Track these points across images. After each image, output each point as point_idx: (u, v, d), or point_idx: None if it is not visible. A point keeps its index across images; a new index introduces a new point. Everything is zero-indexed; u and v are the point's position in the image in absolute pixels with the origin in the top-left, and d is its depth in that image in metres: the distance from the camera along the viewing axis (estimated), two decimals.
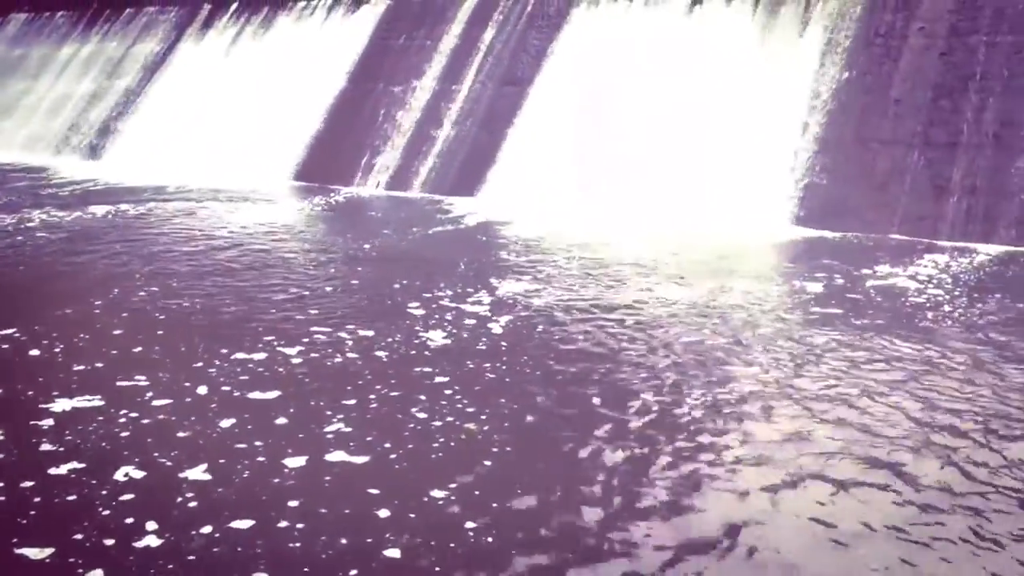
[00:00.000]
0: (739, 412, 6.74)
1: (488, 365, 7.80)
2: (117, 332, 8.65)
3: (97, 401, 6.81)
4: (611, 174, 17.41)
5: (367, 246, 13.44)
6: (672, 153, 16.99)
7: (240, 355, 7.88)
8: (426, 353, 8.05)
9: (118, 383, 7.19)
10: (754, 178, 16.13)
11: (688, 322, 9.17)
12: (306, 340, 8.32)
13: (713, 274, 11.55)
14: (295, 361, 7.78)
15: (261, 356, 7.87)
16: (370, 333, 8.55)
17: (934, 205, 14.89)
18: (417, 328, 8.79)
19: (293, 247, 13.52)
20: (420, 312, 9.38)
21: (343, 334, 8.54)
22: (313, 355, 7.92)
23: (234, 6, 25.95)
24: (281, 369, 7.57)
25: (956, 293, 10.56)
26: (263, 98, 22.97)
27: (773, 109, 16.74)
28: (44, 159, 25.43)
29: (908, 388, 7.22)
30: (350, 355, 7.97)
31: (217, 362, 7.72)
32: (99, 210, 16.75)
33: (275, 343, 8.22)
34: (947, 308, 9.85)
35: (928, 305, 9.97)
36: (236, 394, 6.98)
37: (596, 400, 7.02)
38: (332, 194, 19.34)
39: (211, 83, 24.46)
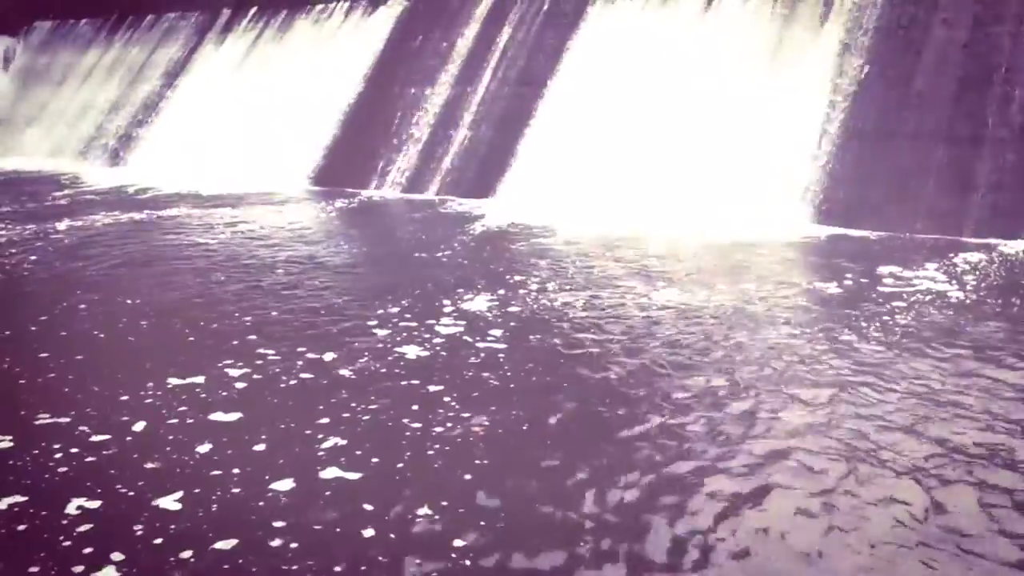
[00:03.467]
0: (753, 427, 6.56)
1: (487, 374, 7.68)
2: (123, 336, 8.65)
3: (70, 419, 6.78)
4: (628, 174, 17.19)
5: (378, 250, 13.42)
6: (690, 152, 16.75)
7: (259, 358, 7.83)
8: (428, 359, 7.96)
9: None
10: (774, 175, 15.84)
11: (700, 329, 8.98)
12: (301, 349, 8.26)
13: (730, 277, 11.33)
14: (285, 370, 7.72)
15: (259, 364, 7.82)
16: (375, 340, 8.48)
17: (959, 201, 14.53)
18: (423, 334, 8.70)
19: (305, 252, 13.49)
20: (426, 317, 9.28)
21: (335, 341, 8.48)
22: (310, 364, 7.86)
23: (253, 10, 26.04)
24: (284, 377, 7.52)
25: (983, 294, 10.26)
26: (281, 102, 23.02)
27: (792, 105, 16.44)
28: (68, 166, 25.68)
29: (940, 403, 6.97)
30: (338, 367, 7.89)
31: (232, 360, 7.67)
32: (103, 219, 16.72)
33: (291, 349, 8.18)
34: (976, 311, 9.57)
35: (955, 307, 9.69)
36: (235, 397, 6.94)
37: (599, 409, 6.89)
38: (349, 198, 19.32)
39: (230, 88, 24.56)
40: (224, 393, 7.16)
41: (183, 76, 26.10)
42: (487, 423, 6.85)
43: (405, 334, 8.61)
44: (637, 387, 7.39)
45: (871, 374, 7.48)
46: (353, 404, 7.02)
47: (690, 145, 16.82)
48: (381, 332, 8.67)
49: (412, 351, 8.14)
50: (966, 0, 16.09)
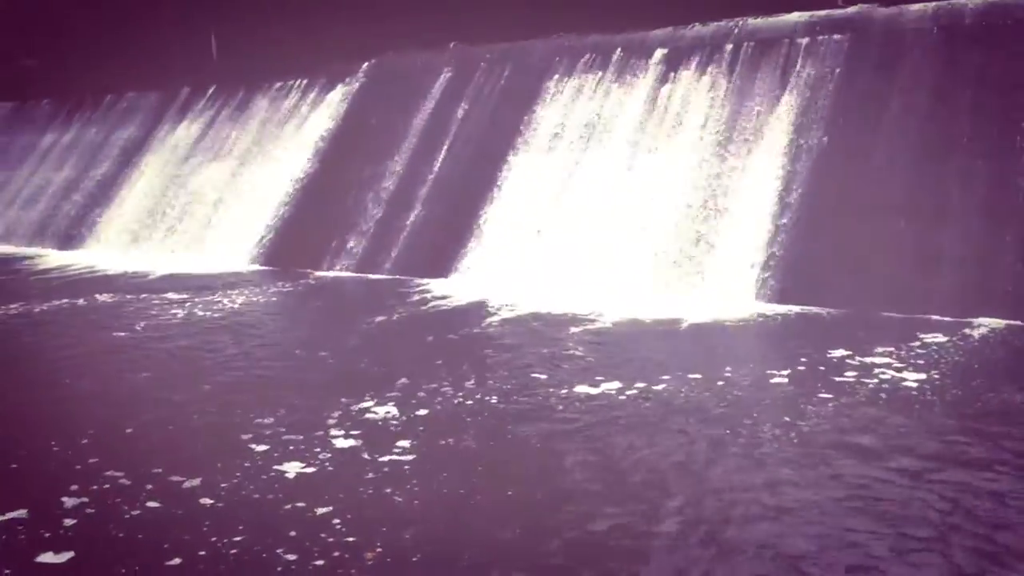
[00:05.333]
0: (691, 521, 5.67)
1: (388, 489, 6.80)
2: None
3: None
4: (583, 253, 16.53)
5: (316, 335, 12.55)
6: (646, 227, 16.13)
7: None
8: (315, 476, 7.06)
9: None
10: (730, 252, 15.18)
11: (631, 422, 8.14)
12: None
13: (672, 365, 10.50)
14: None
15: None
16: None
17: (923, 278, 13.82)
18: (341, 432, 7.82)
19: (241, 338, 12.62)
20: (324, 422, 8.41)
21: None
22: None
23: (212, 89, 25.67)
24: (127, 507, 6.60)
25: (946, 378, 9.45)
26: (233, 181, 22.46)
27: (750, 178, 15.88)
28: (20, 249, 24.95)
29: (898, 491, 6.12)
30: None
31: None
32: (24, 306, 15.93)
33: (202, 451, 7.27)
34: (936, 396, 8.75)
35: (914, 393, 8.87)
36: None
37: (512, 533, 6.00)
38: (298, 279, 18.56)
39: (185, 168, 24.03)
40: (47, 534, 6.19)
41: (140, 156, 25.58)
42: (380, 549, 5.97)
43: (292, 447, 7.71)
44: (554, 506, 6.51)
45: (797, 479, 6.63)
46: (214, 539, 6.10)
47: (646, 221, 16.21)
48: (259, 447, 7.76)
49: (293, 468, 7.24)
50: (925, 70, 15.68)
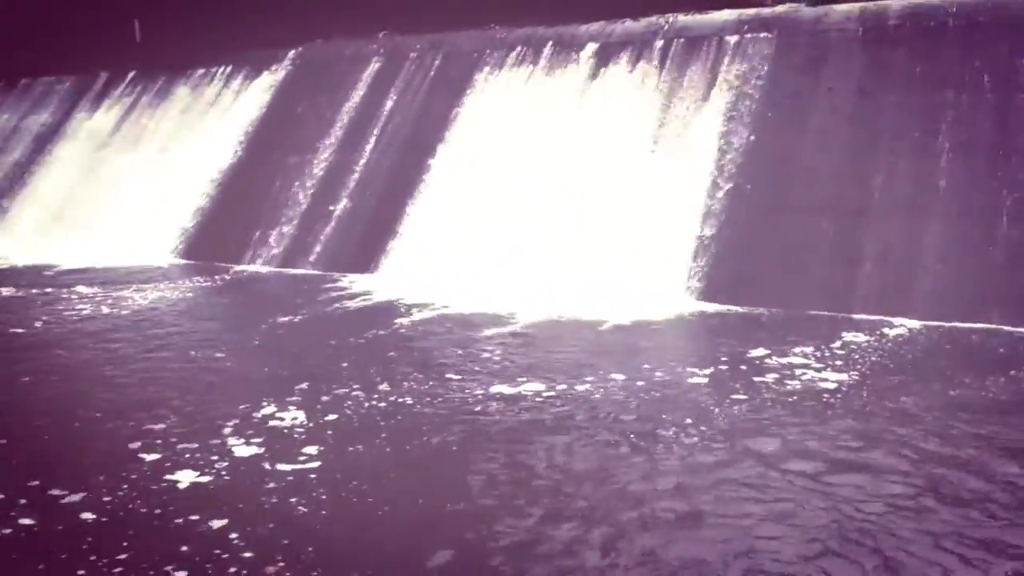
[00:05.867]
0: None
1: (294, 499, 6.44)
2: None
3: None
4: (511, 247, 16.28)
5: (223, 334, 12.03)
6: (573, 225, 15.96)
7: None
8: (211, 487, 6.66)
9: None
10: (659, 250, 15.08)
11: (550, 426, 7.90)
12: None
13: (594, 364, 10.32)
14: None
15: None
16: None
17: (847, 276, 13.90)
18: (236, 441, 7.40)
19: (143, 337, 12.03)
20: (221, 429, 7.99)
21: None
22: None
23: (131, 75, 24.69)
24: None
25: (862, 379, 9.43)
26: (153, 171, 21.63)
27: (678, 177, 15.81)
28: None
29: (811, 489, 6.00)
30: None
31: None
32: None
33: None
34: (850, 398, 8.71)
35: (826, 397, 8.82)
36: None
37: (429, 550, 5.71)
38: (219, 273, 17.92)
39: (102, 155, 23.07)
40: None
41: (54, 143, 24.49)
42: (282, 563, 5.62)
43: (186, 455, 7.28)
44: (468, 515, 6.24)
45: (713, 478, 6.48)
46: (95, 557, 5.68)
47: (574, 218, 16.03)
48: (149, 456, 7.31)
49: (187, 478, 6.82)
50: (851, 69, 15.78)
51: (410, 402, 8.72)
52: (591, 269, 15.20)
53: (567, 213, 16.12)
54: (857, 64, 15.75)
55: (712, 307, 14.02)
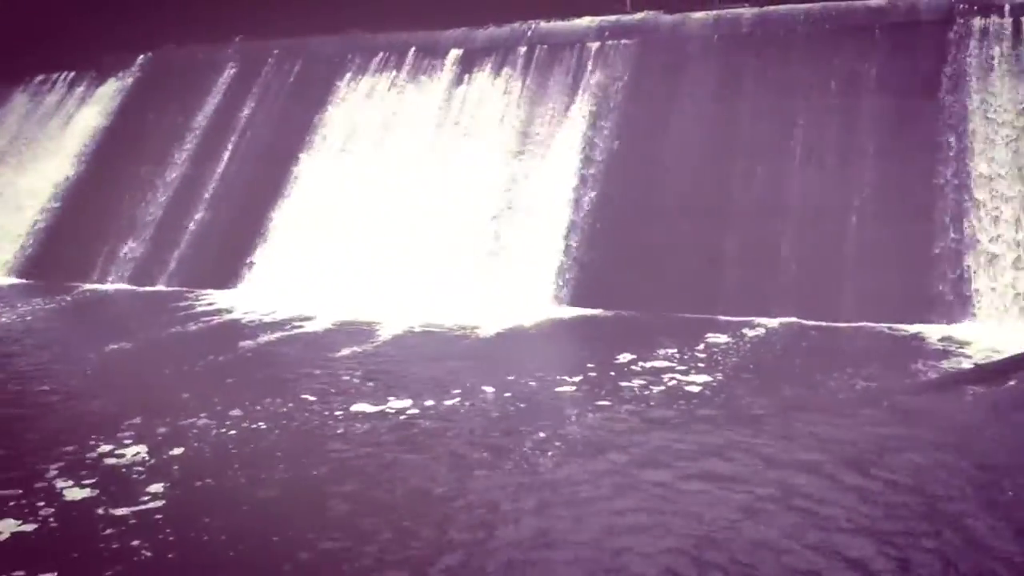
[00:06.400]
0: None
1: (136, 542, 5.87)
2: None
3: None
4: (378, 258, 15.83)
5: (57, 364, 11.05)
6: (440, 233, 15.65)
7: None
8: (39, 535, 6.01)
9: None
10: (525, 258, 14.97)
11: (415, 445, 7.57)
12: None
13: (457, 374, 10.06)
14: None
15: None
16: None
17: (708, 278, 14.17)
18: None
19: None
20: (51, 471, 7.28)
21: None
22: None
23: None
24: None
25: (723, 381, 9.53)
26: None
27: (543, 182, 15.76)
28: None
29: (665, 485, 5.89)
30: None
31: None
32: None
33: None
34: (708, 400, 8.78)
35: (682, 402, 8.85)
36: None
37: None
38: (62, 293, 16.64)
39: None
40: None
41: None
42: None
43: (10, 503, 6.55)
44: (325, 546, 5.84)
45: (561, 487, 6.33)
46: None
47: (441, 227, 15.73)
48: None
49: (6, 528, 6.14)
50: (709, 75, 16.14)
51: (265, 427, 8.21)
52: (459, 278, 14.93)
53: (433, 222, 15.81)
54: (714, 70, 16.13)
55: (581, 312, 14.01)
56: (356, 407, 8.77)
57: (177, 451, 7.59)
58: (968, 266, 12.65)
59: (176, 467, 7.31)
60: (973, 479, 6.68)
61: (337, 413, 8.54)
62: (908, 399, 8.89)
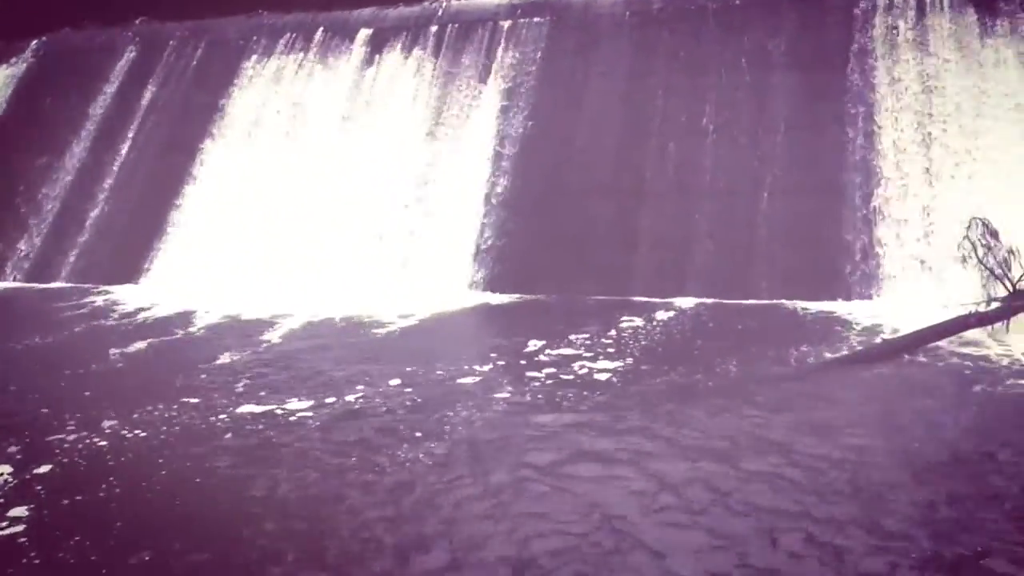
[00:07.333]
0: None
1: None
2: None
3: None
4: (288, 246, 15.32)
5: None
6: (350, 221, 15.19)
7: None
8: None
9: None
10: (440, 244, 14.62)
11: (312, 446, 7.17)
12: None
13: (370, 364, 9.69)
14: None
15: None
16: None
17: (624, 260, 13.99)
18: None
19: None
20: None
21: None
22: None
23: None
24: None
25: (633, 366, 9.33)
26: None
27: (458, 165, 15.38)
28: None
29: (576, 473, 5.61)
30: None
31: None
32: None
33: None
34: (617, 388, 8.56)
35: (597, 385, 8.63)
36: None
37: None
38: None
39: None
40: None
41: None
42: None
43: None
44: (211, 563, 5.42)
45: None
46: None
47: (351, 214, 15.26)
48: None
49: None
50: (621, 53, 15.91)
51: (143, 435, 7.71)
52: (371, 266, 14.52)
53: (344, 209, 15.33)
54: (626, 48, 15.90)
55: (497, 298, 13.72)
56: (244, 408, 8.31)
57: (43, 468, 7.02)
58: (877, 240, 12.68)
59: (40, 486, 6.76)
60: (889, 456, 6.58)
61: (223, 416, 8.07)
62: (816, 377, 8.82)
